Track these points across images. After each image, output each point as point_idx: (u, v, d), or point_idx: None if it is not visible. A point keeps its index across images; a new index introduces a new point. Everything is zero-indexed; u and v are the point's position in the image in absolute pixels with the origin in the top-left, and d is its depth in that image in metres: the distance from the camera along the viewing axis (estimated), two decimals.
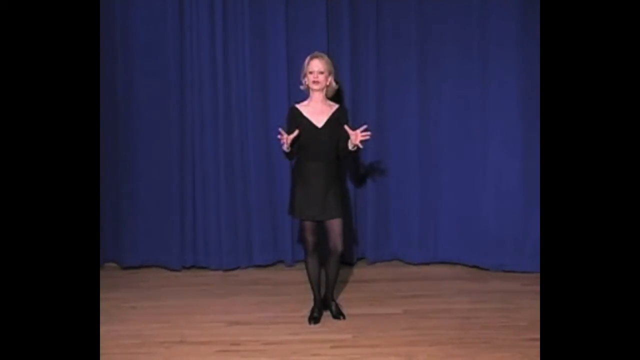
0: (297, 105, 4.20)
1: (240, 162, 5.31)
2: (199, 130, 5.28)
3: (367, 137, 4.00)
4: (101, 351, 3.58)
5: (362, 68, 5.30)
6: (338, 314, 4.26)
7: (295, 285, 4.82)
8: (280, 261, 5.44)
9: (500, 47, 5.08)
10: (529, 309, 4.29)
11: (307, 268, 4.27)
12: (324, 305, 4.31)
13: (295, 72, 5.03)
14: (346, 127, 4.04)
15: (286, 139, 3.95)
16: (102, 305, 3.88)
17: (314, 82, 4.11)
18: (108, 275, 5.15)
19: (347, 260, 5.27)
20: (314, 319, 4.22)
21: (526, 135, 5.05)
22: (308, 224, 4.16)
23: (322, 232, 4.20)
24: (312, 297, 4.30)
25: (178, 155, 5.29)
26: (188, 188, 5.33)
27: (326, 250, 4.20)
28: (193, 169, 5.33)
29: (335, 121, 4.14)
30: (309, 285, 4.31)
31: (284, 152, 4.07)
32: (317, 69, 4.11)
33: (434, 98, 5.29)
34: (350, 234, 5.24)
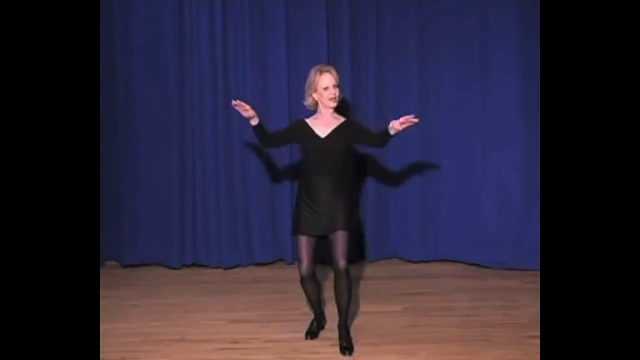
0: (306, 119, 3.87)
1: (240, 160, 5.31)
2: (198, 129, 5.29)
3: (411, 123, 3.69)
4: (102, 349, 3.59)
5: (361, 65, 5.31)
6: (345, 349, 3.75)
7: (295, 283, 4.74)
8: (281, 259, 5.45)
9: (500, 43, 5.09)
10: (529, 306, 4.29)
11: (304, 291, 3.94)
12: (324, 319, 4.09)
13: (295, 73, 5.05)
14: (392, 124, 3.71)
15: (243, 107, 3.75)
16: (103, 303, 3.88)
17: (331, 98, 3.75)
18: (108, 274, 5.16)
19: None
20: (311, 333, 3.99)
21: (526, 132, 5.06)
22: (304, 241, 3.79)
23: (324, 251, 3.90)
24: (313, 311, 4.06)
25: (178, 153, 5.30)
26: (188, 186, 5.34)
27: (332, 268, 3.84)
28: (193, 168, 5.33)
29: (341, 133, 3.79)
30: None
31: (254, 131, 3.87)
32: (332, 83, 3.74)
33: (433, 95, 5.30)
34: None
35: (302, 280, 3.87)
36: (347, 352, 3.75)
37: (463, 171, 5.27)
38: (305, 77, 3.86)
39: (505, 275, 5.05)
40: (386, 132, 3.76)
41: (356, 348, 3.77)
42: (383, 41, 5.29)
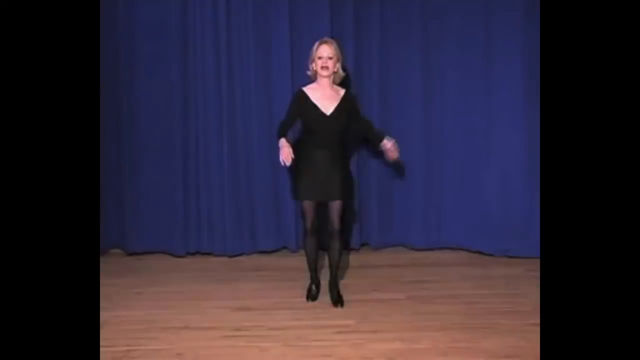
0: (305, 89, 4.18)
1: (243, 147, 5.31)
2: (202, 116, 5.28)
3: (393, 155, 4.29)
4: (106, 337, 3.62)
5: (365, 50, 5.28)
6: (337, 302, 4.23)
7: (299, 271, 4.82)
8: (285, 247, 5.46)
9: (505, 28, 5.07)
10: (533, 294, 4.28)
11: (305, 248, 4.33)
12: (321, 286, 4.38)
13: (299, 56, 5.04)
14: (386, 141, 4.24)
15: (286, 154, 3.97)
16: (107, 291, 3.91)
17: (322, 67, 4.08)
18: (113, 262, 5.17)
19: (351, 246, 5.29)
20: (312, 296, 4.29)
21: (531, 120, 5.03)
22: (308, 205, 4.17)
23: (323, 214, 4.22)
24: (310, 275, 4.36)
25: (182, 141, 5.29)
26: (192, 174, 5.34)
27: (326, 231, 4.24)
28: (197, 155, 5.33)
29: (343, 108, 4.14)
30: None
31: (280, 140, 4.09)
32: (326, 54, 4.09)
33: (437, 82, 5.28)
34: (354, 220, 5.26)
35: (306, 235, 4.27)
36: (339, 305, 4.20)
37: (467, 159, 5.26)
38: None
39: (509, 263, 5.06)
40: (379, 139, 4.28)
41: (359, 335, 3.78)
42: (386, 26, 5.24)
